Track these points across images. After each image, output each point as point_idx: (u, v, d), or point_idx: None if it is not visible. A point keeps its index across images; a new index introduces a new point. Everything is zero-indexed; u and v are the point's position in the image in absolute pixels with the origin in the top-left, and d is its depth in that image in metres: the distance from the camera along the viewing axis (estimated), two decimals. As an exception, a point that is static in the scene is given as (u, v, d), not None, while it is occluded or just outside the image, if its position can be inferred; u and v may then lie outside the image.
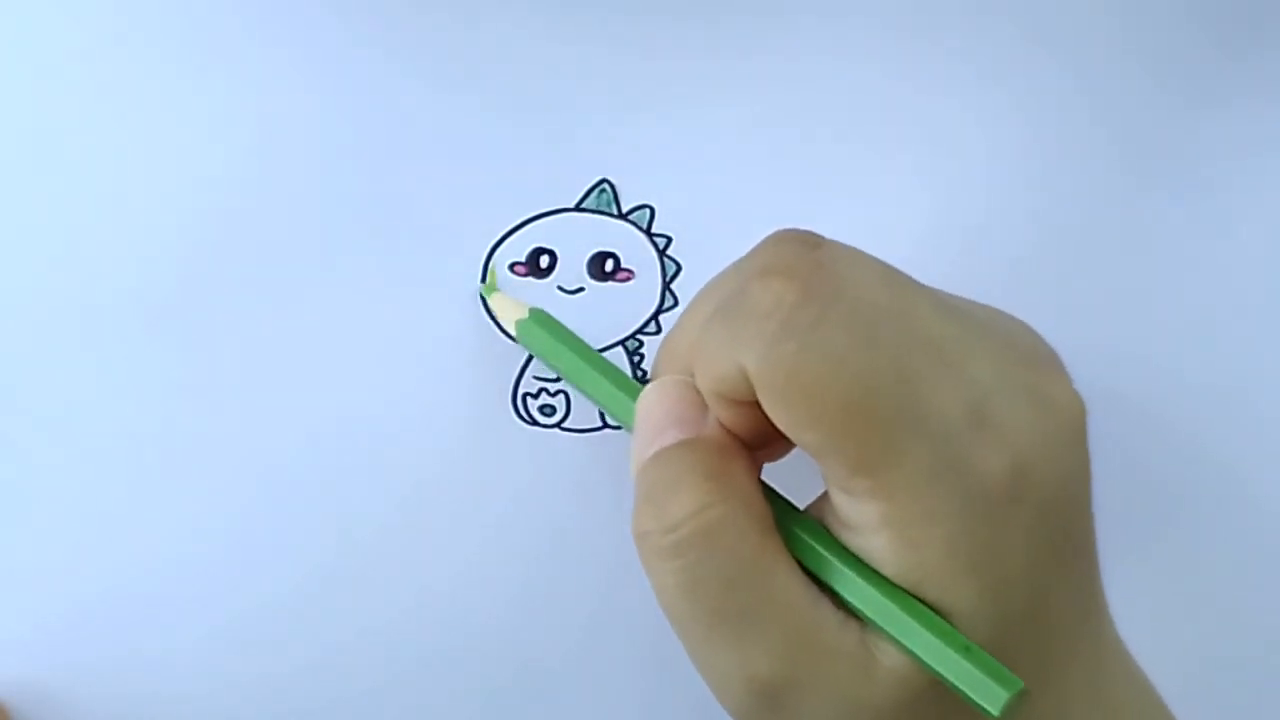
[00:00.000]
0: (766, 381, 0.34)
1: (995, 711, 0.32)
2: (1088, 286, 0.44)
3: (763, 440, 0.36)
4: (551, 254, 0.42)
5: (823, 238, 0.36)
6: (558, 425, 0.42)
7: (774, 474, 0.38)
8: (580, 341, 0.41)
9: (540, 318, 0.41)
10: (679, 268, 0.43)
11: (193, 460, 0.42)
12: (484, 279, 0.42)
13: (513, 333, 0.42)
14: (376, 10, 0.42)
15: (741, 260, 0.37)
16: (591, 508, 0.43)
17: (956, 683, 0.33)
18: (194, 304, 0.42)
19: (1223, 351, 0.45)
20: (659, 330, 0.42)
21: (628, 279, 0.42)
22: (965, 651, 0.33)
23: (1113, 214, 0.44)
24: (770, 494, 0.36)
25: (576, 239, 0.42)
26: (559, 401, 0.42)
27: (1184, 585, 0.45)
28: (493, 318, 0.42)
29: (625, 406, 0.38)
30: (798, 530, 0.35)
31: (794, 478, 0.37)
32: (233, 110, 0.42)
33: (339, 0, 0.42)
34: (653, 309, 0.42)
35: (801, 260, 0.35)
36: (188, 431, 0.42)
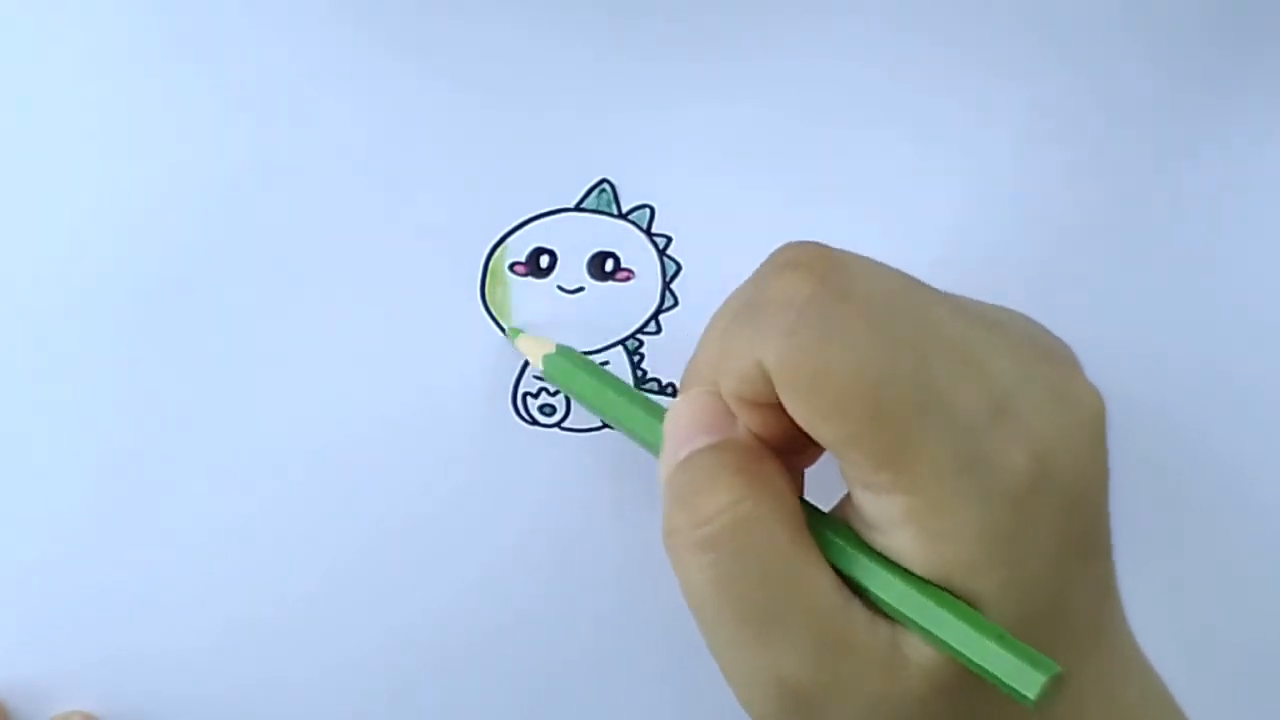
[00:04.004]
0: (785, 375, 0.34)
1: (1032, 696, 0.32)
2: (1100, 286, 0.44)
3: (789, 446, 0.36)
4: (551, 254, 0.42)
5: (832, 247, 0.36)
6: (558, 425, 0.42)
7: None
8: (606, 373, 0.41)
9: (566, 353, 0.41)
10: (679, 267, 0.43)
11: (193, 461, 0.42)
12: (484, 279, 0.42)
13: (540, 371, 0.42)
14: (376, 10, 0.42)
15: (757, 269, 0.37)
16: (592, 507, 0.43)
17: (993, 670, 0.33)
18: (191, 303, 0.42)
19: (1236, 351, 0.45)
20: (659, 330, 0.42)
21: (628, 278, 0.42)
22: (999, 639, 0.33)
23: (1126, 213, 0.44)
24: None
25: (576, 239, 0.42)
26: (559, 401, 0.42)
27: (1192, 583, 0.45)
28: (493, 318, 0.42)
29: (656, 432, 0.38)
30: (824, 531, 0.35)
31: (813, 485, 0.37)
32: (231, 111, 0.42)
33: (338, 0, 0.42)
34: (653, 309, 0.43)
35: (819, 256, 0.35)
36: (188, 432, 0.42)
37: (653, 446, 0.39)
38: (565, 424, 0.42)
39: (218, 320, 0.42)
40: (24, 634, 0.42)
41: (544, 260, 0.42)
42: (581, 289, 0.42)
